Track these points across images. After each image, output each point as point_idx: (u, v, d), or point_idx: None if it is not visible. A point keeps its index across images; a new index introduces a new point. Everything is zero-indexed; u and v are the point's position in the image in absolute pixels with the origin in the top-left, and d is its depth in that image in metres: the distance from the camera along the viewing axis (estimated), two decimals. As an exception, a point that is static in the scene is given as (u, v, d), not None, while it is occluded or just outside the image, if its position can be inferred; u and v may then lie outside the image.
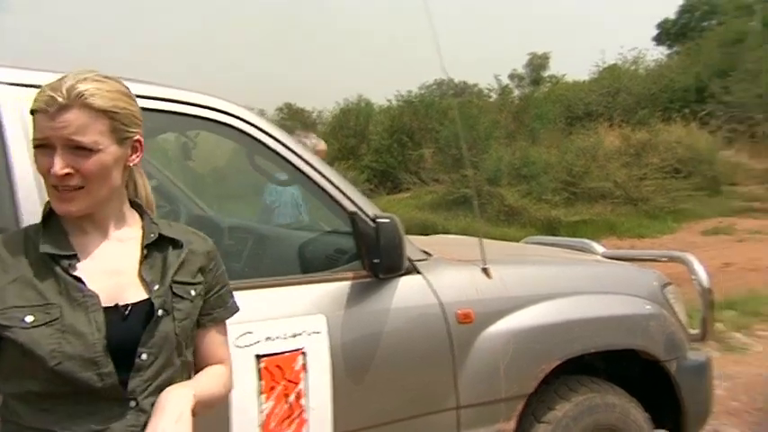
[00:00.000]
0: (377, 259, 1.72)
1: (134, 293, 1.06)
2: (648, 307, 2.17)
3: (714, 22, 23.29)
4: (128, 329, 1.03)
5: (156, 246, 1.11)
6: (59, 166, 0.99)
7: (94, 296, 1.02)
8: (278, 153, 1.73)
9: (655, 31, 29.74)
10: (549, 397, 2.01)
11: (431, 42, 1.99)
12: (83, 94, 1.00)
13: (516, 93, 23.73)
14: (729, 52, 17.83)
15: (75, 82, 1.01)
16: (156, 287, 1.07)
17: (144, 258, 1.09)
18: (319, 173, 1.79)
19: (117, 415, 1.01)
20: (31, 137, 1.04)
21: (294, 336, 1.61)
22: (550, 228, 10.82)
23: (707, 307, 2.30)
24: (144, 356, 1.03)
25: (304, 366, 1.61)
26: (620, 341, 2.09)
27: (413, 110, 18.72)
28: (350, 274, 1.77)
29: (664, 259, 2.50)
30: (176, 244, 1.12)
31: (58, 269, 1.02)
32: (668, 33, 28.90)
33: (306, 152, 1.81)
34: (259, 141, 1.72)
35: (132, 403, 1.02)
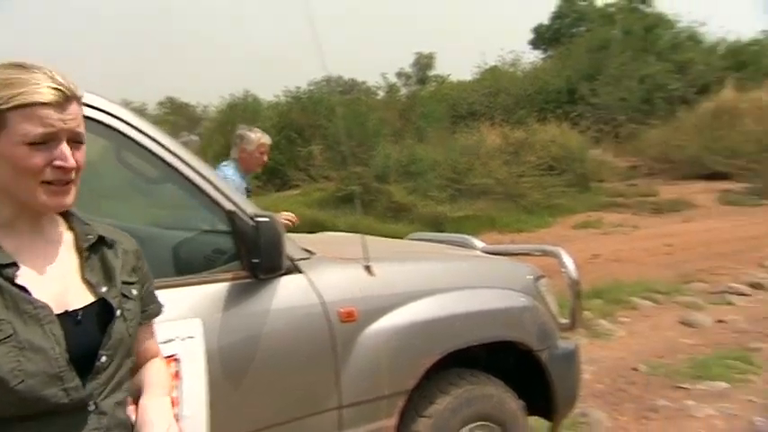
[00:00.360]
0: (256, 259, 1.67)
1: (80, 297, 1.03)
2: (523, 300, 2.27)
3: (583, 29, 24.99)
4: (84, 335, 1.00)
5: (92, 246, 1.08)
6: (71, 158, 0.98)
7: (46, 307, 0.96)
8: (147, 148, 1.63)
9: (531, 36, 31.47)
10: (430, 391, 2.05)
11: (313, 39, 1.96)
12: (76, 88, 1.00)
13: (403, 91, 24.21)
14: (596, 58, 19.21)
15: (62, 75, 0.99)
16: (105, 288, 1.04)
17: (85, 260, 1.06)
18: (194, 170, 1.71)
19: (79, 421, 0.98)
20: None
21: (167, 341, 1.52)
22: (436, 223, 11.11)
23: (575, 298, 2.45)
24: (103, 359, 1.01)
25: (177, 373, 1.53)
26: (498, 334, 2.17)
27: (301, 106, 18.54)
28: (228, 275, 1.71)
29: (537, 253, 2.63)
30: (110, 244, 1.10)
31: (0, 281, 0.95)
32: (543, 38, 30.64)
33: (179, 148, 1.72)
34: (125, 136, 1.61)
35: (92, 407, 0.99)
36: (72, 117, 0.99)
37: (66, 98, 0.98)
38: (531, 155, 14.15)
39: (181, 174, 1.68)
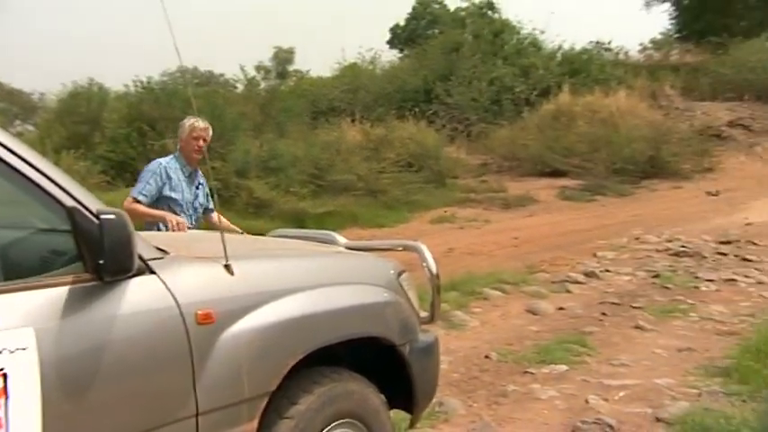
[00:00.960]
0: (101, 260, 1.52)
1: None
2: (386, 295, 2.29)
3: (437, 31, 26.04)
4: None
5: None
6: None
7: None
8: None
9: (389, 35, 32.26)
10: (292, 392, 2.00)
11: (167, 28, 1.84)
12: None
13: (263, 85, 23.75)
14: (449, 59, 20.09)
15: None
16: None
17: None
18: (27, 162, 1.53)
19: None
20: None
21: (-7, 355, 1.35)
22: (298, 219, 11.03)
23: (435, 291, 2.52)
24: None
25: (4, 390, 1.35)
26: (361, 330, 2.18)
27: (154, 97, 17.52)
28: (68, 279, 1.55)
29: (399, 248, 2.67)
30: None
31: None
32: (399, 38, 31.55)
33: (9, 138, 1.53)
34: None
35: None
36: None
37: None
38: (390, 152, 14.51)
39: (10, 166, 1.50)
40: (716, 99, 18.48)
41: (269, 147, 13.46)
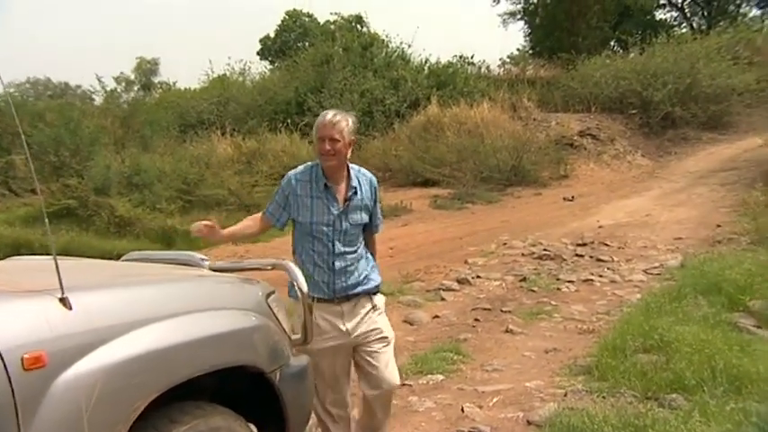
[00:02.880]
0: None
1: None
2: (254, 319, 2.15)
3: (307, 44, 26.02)
4: None
5: None
6: None
7: None
8: None
9: (259, 47, 31.86)
10: (149, 434, 1.80)
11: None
12: None
13: (124, 97, 22.45)
14: (320, 71, 20.09)
15: None
16: None
17: None
18: None
19: None
20: None
21: None
22: (167, 237, 10.46)
23: (307, 311, 2.40)
24: None
25: None
26: (226, 359, 2.01)
27: (-2, 111, 15.96)
28: None
29: (268, 267, 2.53)
30: None
31: None
32: (270, 49, 31.23)
33: None
34: None
35: None
36: None
37: None
38: (263, 164, 14.20)
39: None
40: (568, 111, 19.88)
41: (132, 162, 12.69)
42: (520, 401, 3.90)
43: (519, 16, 30.05)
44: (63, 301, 1.61)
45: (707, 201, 12.23)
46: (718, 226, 9.63)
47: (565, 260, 8.30)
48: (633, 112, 19.09)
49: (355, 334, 2.97)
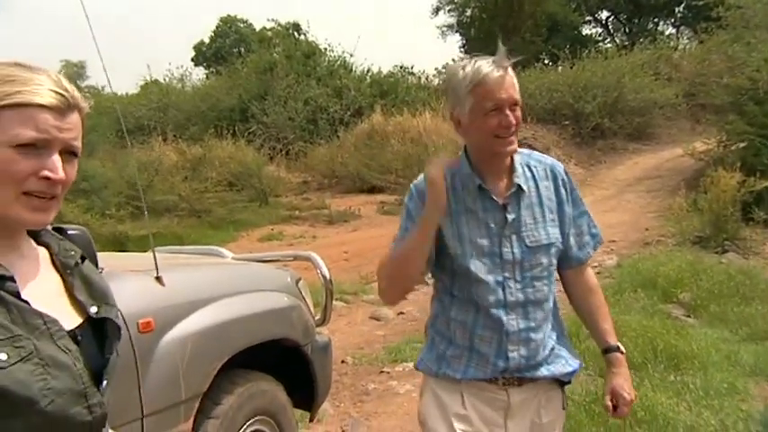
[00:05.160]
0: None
1: (70, 316, 0.93)
2: (289, 300, 2.48)
3: (243, 50, 25.93)
4: (88, 356, 0.91)
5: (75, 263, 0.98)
6: (61, 170, 0.88)
7: (55, 321, 0.86)
8: None
9: (193, 52, 31.44)
10: (215, 393, 2.11)
11: None
12: (79, 98, 0.89)
13: (57, 101, 21.78)
14: (263, 79, 20.21)
15: (67, 82, 0.89)
16: (95, 309, 0.96)
17: (67, 277, 0.96)
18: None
19: None
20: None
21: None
22: (118, 243, 10.39)
23: (328, 296, 2.75)
24: (105, 382, 0.93)
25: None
26: (274, 332, 2.35)
27: None
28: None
29: (290, 259, 2.85)
30: (82, 258, 1.01)
31: (2, 294, 0.83)
32: (204, 55, 30.88)
33: None
34: None
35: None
36: (70, 127, 0.91)
37: (68, 106, 0.90)
38: (211, 171, 14.23)
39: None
40: (506, 121, 20.81)
41: (78, 168, 12.47)
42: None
43: (456, 29, 31.01)
44: (158, 279, 1.91)
45: (636, 206, 13.18)
46: (647, 229, 10.47)
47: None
48: (566, 123, 20.17)
49: None
